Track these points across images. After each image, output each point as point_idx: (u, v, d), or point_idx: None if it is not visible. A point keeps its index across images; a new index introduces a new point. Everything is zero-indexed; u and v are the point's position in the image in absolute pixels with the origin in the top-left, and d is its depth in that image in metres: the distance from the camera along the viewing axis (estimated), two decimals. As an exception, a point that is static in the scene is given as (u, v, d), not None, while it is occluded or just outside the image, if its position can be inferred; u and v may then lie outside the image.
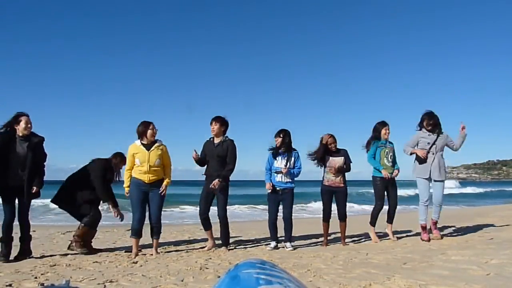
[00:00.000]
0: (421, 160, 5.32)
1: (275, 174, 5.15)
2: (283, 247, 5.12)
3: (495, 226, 6.97)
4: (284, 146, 5.17)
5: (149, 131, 4.66)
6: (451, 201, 18.61)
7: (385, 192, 5.52)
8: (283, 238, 5.17)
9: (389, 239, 5.56)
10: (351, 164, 5.38)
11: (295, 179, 5.28)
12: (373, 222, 5.55)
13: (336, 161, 5.29)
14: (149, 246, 4.96)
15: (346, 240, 5.56)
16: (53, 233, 6.88)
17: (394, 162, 5.57)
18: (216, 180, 4.88)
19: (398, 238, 5.70)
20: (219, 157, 4.97)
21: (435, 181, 5.31)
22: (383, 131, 5.53)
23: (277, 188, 5.14)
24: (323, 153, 5.28)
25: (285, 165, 5.10)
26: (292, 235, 5.24)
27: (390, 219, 5.58)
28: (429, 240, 5.27)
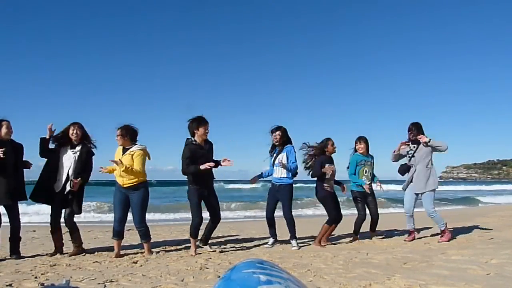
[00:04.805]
0: (403, 172, 5.46)
1: (273, 169, 5.28)
2: (287, 245, 5.19)
3: (495, 226, 6.97)
4: (280, 143, 5.25)
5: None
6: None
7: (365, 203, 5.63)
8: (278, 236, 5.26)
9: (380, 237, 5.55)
10: None
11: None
12: (356, 231, 5.63)
13: (334, 167, 5.45)
14: (154, 246, 4.95)
15: (346, 239, 5.62)
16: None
17: (372, 176, 5.71)
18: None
19: (398, 238, 5.71)
20: (208, 160, 4.77)
21: (425, 191, 5.26)
22: (356, 146, 5.67)
23: (275, 184, 5.24)
24: (318, 155, 5.40)
25: (273, 162, 5.27)
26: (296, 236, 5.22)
27: (373, 227, 5.71)
28: (413, 239, 5.42)
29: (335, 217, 5.32)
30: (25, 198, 4.79)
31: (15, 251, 4.65)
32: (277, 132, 5.23)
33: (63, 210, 4.78)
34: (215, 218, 4.90)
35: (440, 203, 15.88)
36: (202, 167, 4.57)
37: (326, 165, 5.32)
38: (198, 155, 4.70)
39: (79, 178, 4.71)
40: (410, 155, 5.35)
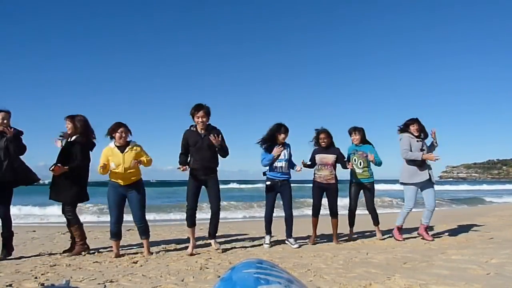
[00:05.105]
0: (420, 166, 5.32)
1: (273, 166, 5.19)
2: (285, 243, 5.21)
3: (495, 225, 6.97)
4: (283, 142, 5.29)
5: (117, 135, 4.61)
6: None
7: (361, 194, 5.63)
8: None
9: (390, 237, 5.57)
10: (344, 159, 5.47)
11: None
12: (349, 223, 5.69)
13: (328, 158, 5.38)
14: (153, 245, 4.96)
15: (344, 239, 5.61)
16: (53, 233, 6.89)
17: (367, 166, 5.54)
18: (214, 137, 4.63)
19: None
20: (210, 148, 4.72)
21: (428, 185, 5.34)
22: (351, 137, 5.66)
23: (276, 180, 5.19)
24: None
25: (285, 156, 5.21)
26: (292, 235, 5.26)
27: (374, 221, 5.66)
28: (403, 239, 5.41)
29: (313, 208, 5.44)
30: (30, 180, 4.71)
31: (8, 251, 4.57)
32: (286, 134, 5.27)
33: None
34: (213, 209, 4.82)
35: (445, 203, 15.87)
36: (181, 168, 4.68)
37: (316, 156, 5.41)
38: (192, 142, 4.76)
39: (65, 166, 4.64)
40: (421, 149, 5.38)
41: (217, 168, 4.91)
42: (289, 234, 5.22)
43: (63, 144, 4.87)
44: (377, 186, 5.78)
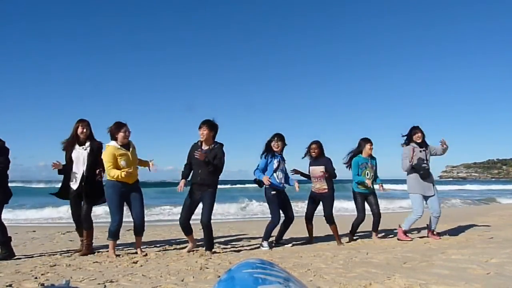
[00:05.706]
0: (424, 178, 5.39)
1: (275, 175, 5.19)
2: (286, 245, 5.31)
3: (495, 225, 6.97)
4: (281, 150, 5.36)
5: (121, 134, 4.60)
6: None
7: (366, 203, 5.69)
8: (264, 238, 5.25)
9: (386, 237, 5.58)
10: (334, 171, 5.43)
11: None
12: (352, 232, 5.76)
13: (316, 170, 5.42)
14: (147, 244, 4.97)
15: (345, 239, 5.64)
16: (53, 233, 6.89)
17: (375, 178, 5.73)
18: (202, 154, 4.61)
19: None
20: (207, 164, 4.65)
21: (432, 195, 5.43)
22: (367, 147, 5.66)
23: (279, 189, 5.25)
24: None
25: (276, 167, 5.21)
26: (292, 235, 5.33)
27: (375, 226, 5.69)
28: (410, 239, 5.47)
29: (305, 216, 5.63)
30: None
31: (9, 254, 4.55)
32: (281, 142, 5.31)
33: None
34: (201, 221, 4.71)
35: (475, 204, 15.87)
36: (179, 188, 4.80)
37: (309, 168, 5.55)
38: (191, 155, 4.82)
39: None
40: (424, 159, 5.42)
41: (214, 183, 4.79)
42: (282, 236, 5.39)
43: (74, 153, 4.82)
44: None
